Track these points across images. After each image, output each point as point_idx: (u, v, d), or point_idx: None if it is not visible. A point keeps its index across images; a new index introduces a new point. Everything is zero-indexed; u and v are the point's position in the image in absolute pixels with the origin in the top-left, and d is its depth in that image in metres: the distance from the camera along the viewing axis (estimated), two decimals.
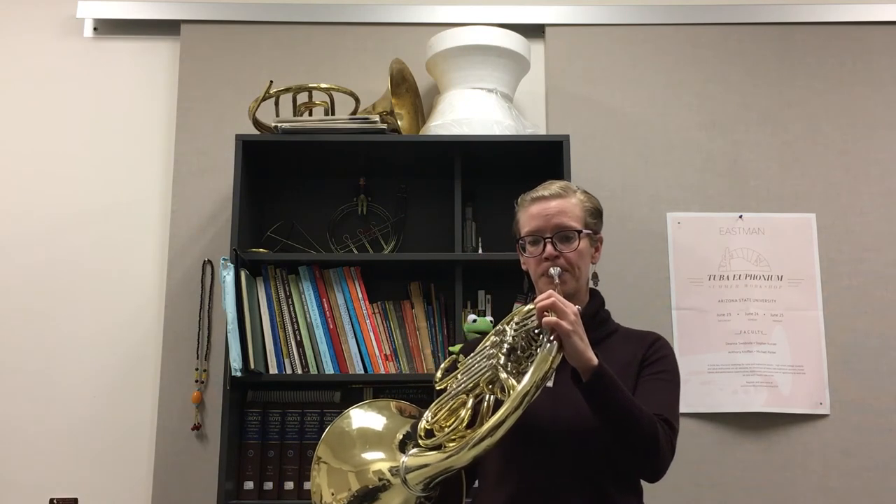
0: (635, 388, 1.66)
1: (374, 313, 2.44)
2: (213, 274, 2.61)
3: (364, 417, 1.64)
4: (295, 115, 2.56)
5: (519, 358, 1.53)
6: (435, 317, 2.48)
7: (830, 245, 2.66)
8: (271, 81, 2.47)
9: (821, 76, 2.78)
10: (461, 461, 1.44)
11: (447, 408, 1.56)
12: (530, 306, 1.56)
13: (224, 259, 2.31)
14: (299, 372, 2.38)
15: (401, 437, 1.57)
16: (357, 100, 2.58)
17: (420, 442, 1.53)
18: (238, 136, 2.43)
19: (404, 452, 1.54)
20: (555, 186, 1.77)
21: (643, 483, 1.69)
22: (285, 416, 2.42)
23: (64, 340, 2.62)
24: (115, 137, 2.76)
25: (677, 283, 2.63)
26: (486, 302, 2.53)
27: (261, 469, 2.38)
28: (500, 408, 1.43)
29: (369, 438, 1.60)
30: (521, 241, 1.77)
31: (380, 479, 1.53)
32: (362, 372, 2.39)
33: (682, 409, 1.74)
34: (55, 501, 2.50)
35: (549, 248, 1.70)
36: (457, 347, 2.32)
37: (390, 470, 1.53)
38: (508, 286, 2.51)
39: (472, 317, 2.36)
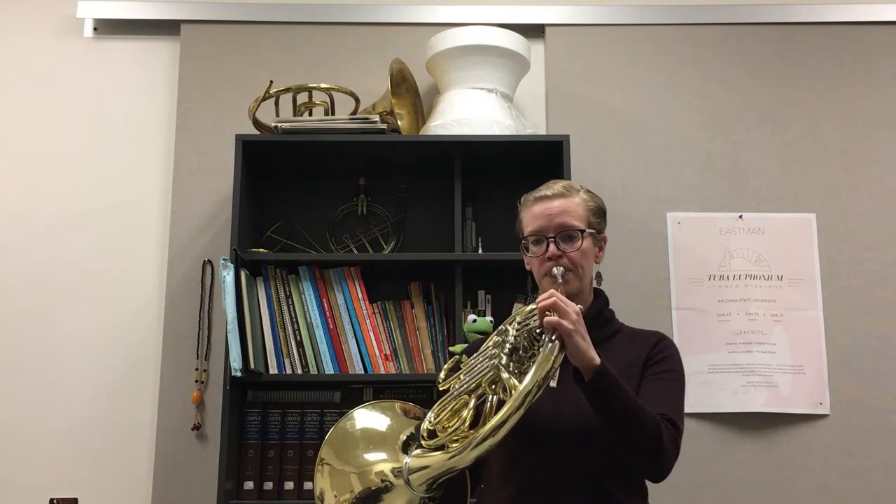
0: (639, 387, 1.66)
1: (374, 313, 2.44)
2: (213, 274, 2.61)
3: (368, 418, 1.64)
4: (295, 115, 2.56)
5: (521, 358, 1.53)
6: (435, 317, 2.48)
7: (830, 245, 2.66)
8: (271, 81, 2.47)
9: (821, 76, 2.78)
10: (464, 461, 1.44)
11: (450, 408, 1.55)
12: (532, 306, 1.56)
13: (224, 259, 2.31)
14: (299, 372, 2.38)
15: (404, 437, 1.57)
16: (357, 100, 2.58)
17: (423, 443, 1.53)
18: (238, 136, 2.43)
19: (407, 453, 1.54)
20: (558, 186, 1.76)
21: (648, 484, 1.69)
22: (285, 416, 2.42)
23: (64, 340, 2.62)
24: (115, 137, 2.76)
25: (677, 283, 2.63)
26: (486, 302, 2.53)
27: (261, 469, 2.38)
28: (502, 408, 1.43)
29: (373, 439, 1.60)
30: (524, 241, 1.76)
31: (382, 481, 1.53)
32: (362, 372, 2.39)
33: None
34: (55, 501, 2.50)
35: (551, 247, 1.70)
36: (457, 347, 2.32)
37: (392, 471, 1.53)
38: (508, 286, 2.51)
39: (472, 317, 2.36)
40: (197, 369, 2.55)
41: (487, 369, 1.54)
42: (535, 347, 1.52)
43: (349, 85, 2.58)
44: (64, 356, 2.61)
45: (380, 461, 1.55)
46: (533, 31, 2.77)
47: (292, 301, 2.42)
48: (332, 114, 2.55)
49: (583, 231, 1.71)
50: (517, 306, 2.50)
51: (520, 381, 1.45)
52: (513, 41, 2.55)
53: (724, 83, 2.78)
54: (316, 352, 2.39)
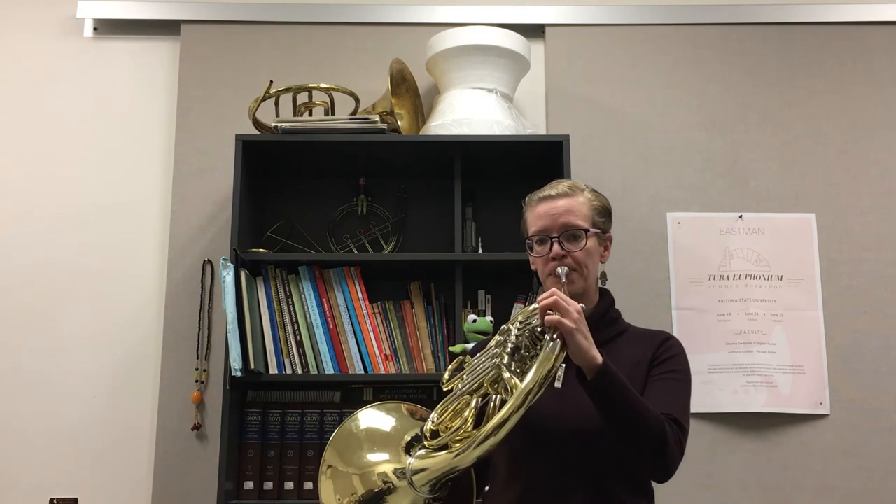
0: (645, 387, 1.65)
1: (374, 313, 2.44)
2: (213, 274, 2.61)
3: (372, 419, 1.64)
4: (295, 115, 2.56)
5: (523, 357, 1.53)
6: (435, 317, 2.48)
7: (830, 245, 2.66)
8: (271, 81, 2.47)
9: (821, 76, 2.78)
10: (466, 461, 1.44)
11: (452, 409, 1.55)
12: (535, 305, 1.56)
13: (224, 259, 2.31)
14: (299, 372, 2.38)
15: (409, 438, 1.57)
16: (357, 100, 2.58)
17: (425, 443, 1.53)
18: (238, 136, 2.43)
19: (410, 454, 1.54)
20: (562, 185, 1.76)
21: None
22: (285, 416, 2.42)
23: (64, 340, 2.62)
24: (115, 137, 2.76)
25: (677, 283, 2.63)
26: (486, 302, 2.53)
27: (261, 469, 2.38)
28: (503, 407, 1.43)
29: (376, 440, 1.60)
30: (528, 241, 1.76)
31: (384, 482, 1.52)
32: (362, 372, 2.39)
33: None
34: (55, 501, 2.50)
35: (556, 247, 1.69)
36: (457, 347, 2.32)
37: (395, 472, 1.53)
38: (508, 286, 2.51)
39: (472, 317, 2.36)
40: (197, 369, 2.55)
41: (489, 369, 1.54)
42: (537, 347, 1.52)
43: (349, 85, 2.58)
44: (64, 356, 2.61)
45: (382, 462, 1.55)
46: (533, 31, 2.77)
47: (292, 301, 2.42)
48: (332, 114, 2.55)
49: (587, 230, 1.71)
50: (517, 306, 2.50)
51: (521, 381, 1.45)
52: (513, 41, 2.55)
53: (724, 83, 2.78)
54: (316, 352, 2.39)
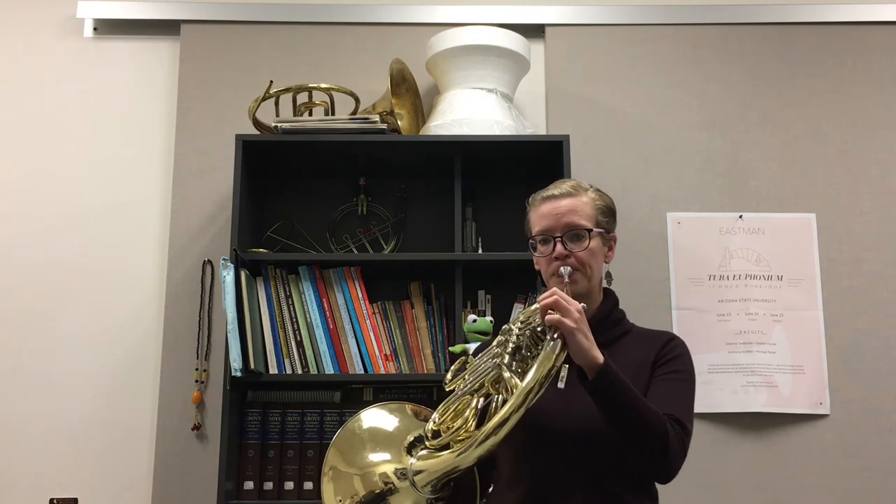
0: (648, 388, 1.64)
1: (374, 313, 2.44)
2: (213, 274, 2.61)
3: (376, 419, 1.63)
4: (295, 115, 2.56)
5: (524, 357, 1.53)
6: (435, 317, 2.48)
7: (830, 245, 2.66)
8: (271, 81, 2.47)
9: (821, 76, 2.78)
10: (467, 460, 1.44)
11: (453, 409, 1.55)
12: (536, 305, 1.56)
13: (224, 259, 2.31)
14: (299, 372, 2.38)
15: (411, 439, 1.57)
16: (357, 100, 2.58)
17: (427, 443, 1.53)
18: (238, 136, 2.43)
19: (412, 454, 1.54)
20: (566, 185, 1.75)
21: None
22: (285, 416, 2.42)
23: (64, 340, 2.62)
24: (115, 137, 2.76)
25: (677, 283, 2.63)
26: (486, 302, 2.53)
27: (261, 469, 2.38)
28: (504, 406, 1.43)
29: (379, 440, 1.60)
30: (531, 241, 1.75)
31: (385, 483, 1.52)
32: (362, 372, 2.39)
33: None
34: (55, 501, 2.50)
35: (559, 247, 1.68)
36: (457, 348, 2.32)
37: (396, 472, 1.53)
38: (508, 286, 2.51)
39: (472, 317, 2.36)
40: (197, 369, 2.55)
41: (490, 369, 1.54)
42: (538, 346, 1.52)
43: (349, 85, 2.58)
44: (64, 356, 2.61)
45: (384, 462, 1.55)
46: (533, 31, 2.77)
47: (292, 301, 2.42)
48: (332, 114, 2.55)
49: (590, 230, 1.70)
50: (517, 306, 2.50)
51: (521, 380, 1.45)
52: (513, 41, 2.55)
53: (724, 83, 2.78)
54: (316, 352, 2.39)
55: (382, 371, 2.39)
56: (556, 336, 1.48)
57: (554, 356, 1.46)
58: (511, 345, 1.54)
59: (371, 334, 2.41)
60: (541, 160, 2.51)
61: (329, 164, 2.60)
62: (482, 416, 1.50)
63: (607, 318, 1.73)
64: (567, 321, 1.47)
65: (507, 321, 2.21)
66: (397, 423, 1.62)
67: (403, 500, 1.51)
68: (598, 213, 1.74)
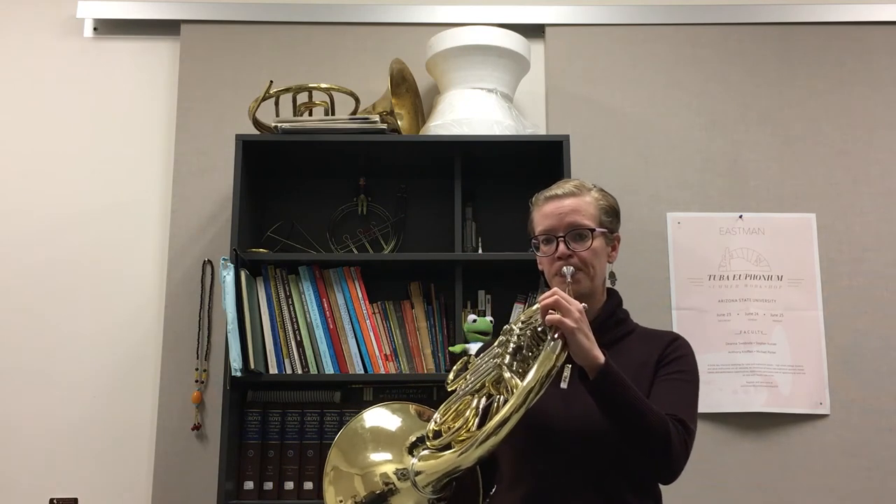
0: (651, 388, 1.63)
1: (374, 313, 2.44)
2: (213, 274, 2.61)
3: (379, 419, 1.63)
4: (295, 115, 2.56)
5: (525, 357, 1.53)
6: (435, 317, 2.48)
7: (830, 245, 2.66)
8: (271, 81, 2.47)
9: (821, 76, 2.78)
10: (468, 460, 1.44)
11: (454, 409, 1.55)
12: (537, 305, 1.55)
13: (224, 259, 2.31)
14: (299, 372, 2.38)
15: (413, 439, 1.56)
16: (357, 100, 2.58)
17: (428, 443, 1.53)
18: (238, 136, 2.43)
19: (413, 455, 1.54)
20: (569, 185, 1.75)
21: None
22: (285, 416, 2.42)
23: (64, 340, 2.62)
24: (115, 137, 2.76)
25: (677, 283, 2.63)
26: (486, 302, 2.53)
27: (261, 469, 2.38)
28: (504, 406, 1.43)
29: (381, 440, 1.60)
30: (534, 241, 1.75)
31: (385, 483, 1.52)
32: (362, 372, 2.39)
33: None
34: (55, 501, 2.50)
35: (561, 247, 1.68)
36: (457, 348, 2.32)
37: (396, 472, 1.53)
38: (508, 286, 2.51)
39: (472, 317, 2.36)
40: (197, 369, 2.55)
41: (491, 369, 1.54)
42: (539, 346, 1.52)
43: (349, 85, 2.58)
44: (64, 356, 2.61)
45: (384, 462, 1.55)
46: (533, 31, 2.77)
47: (292, 301, 2.42)
48: (332, 114, 2.55)
49: (593, 230, 1.69)
50: (517, 306, 2.50)
51: (522, 380, 1.44)
52: (513, 41, 2.55)
53: (724, 83, 2.78)
54: (316, 352, 2.39)
55: (382, 371, 2.39)
56: (556, 336, 1.48)
57: (554, 356, 1.46)
58: (512, 345, 1.54)
59: (371, 334, 2.41)
60: (541, 160, 2.51)
61: (329, 164, 2.60)
62: (484, 416, 1.49)
63: (611, 317, 1.73)
64: (567, 321, 1.47)
65: (507, 321, 2.22)
66: (400, 424, 1.62)
67: (405, 500, 1.50)
68: (602, 212, 1.73)
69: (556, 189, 1.75)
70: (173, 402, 2.54)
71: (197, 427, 2.51)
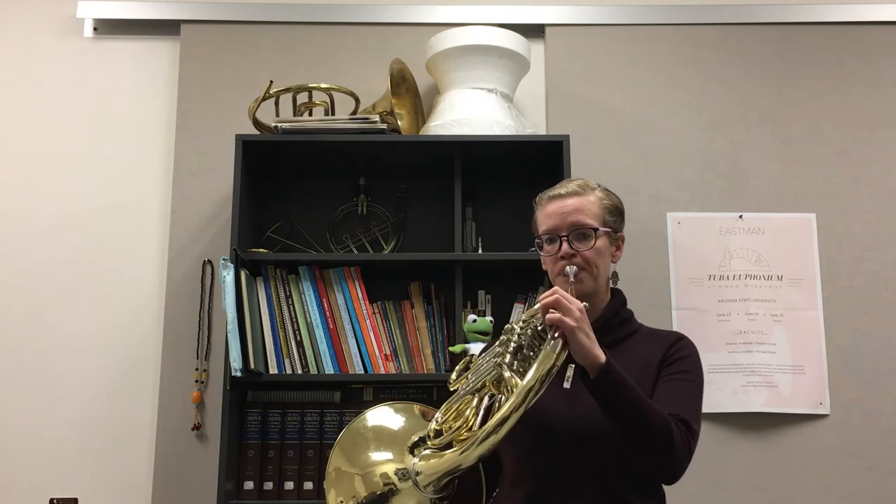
0: (655, 388, 1.63)
1: (374, 313, 2.44)
2: (213, 274, 2.61)
3: (382, 418, 1.63)
4: (295, 115, 2.56)
5: (526, 357, 1.53)
6: (435, 317, 2.48)
7: (830, 245, 2.66)
8: (271, 81, 2.47)
9: (821, 76, 2.78)
10: (468, 459, 1.44)
11: (455, 408, 1.55)
12: (538, 304, 1.55)
13: (224, 259, 2.31)
14: (299, 372, 2.38)
15: (415, 439, 1.56)
16: (357, 100, 2.58)
17: (429, 442, 1.53)
18: (238, 136, 2.43)
19: (414, 454, 1.54)
20: (572, 184, 1.74)
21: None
22: (285, 416, 2.42)
23: (64, 340, 2.62)
24: (115, 137, 2.76)
25: (677, 283, 2.63)
26: (486, 302, 2.53)
27: (261, 469, 2.38)
28: (504, 405, 1.43)
29: (384, 440, 1.60)
30: (538, 241, 1.74)
31: (385, 484, 1.52)
32: (362, 372, 2.39)
33: None
34: (55, 501, 2.50)
35: (564, 246, 1.67)
36: (457, 348, 2.33)
37: (397, 472, 1.53)
38: (508, 286, 2.51)
39: (472, 317, 2.36)
40: (197, 369, 2.55)
41: (491, 368, 1.54)
42: (540, 346, 1.51)
43: (349, 85, 2.58)
44: (64, 356, 2.61)
45: (385, 462, 1.55)
46: (533, 31, 2.77)
47: (292, 301, 2.42)
48: (332, 114, 2.55)
49: (596, 230, 1.69)
50: (517, 306, 2.50)
51: (522, 379, 1.44)
52: (513, 41, 2.55)
53: (724, 83, 2.78)
54: (316, 352, 2.39)
55: (382, 371, 2.39)
56: (556, 335, 1.48)
57: (554, 355, 1.46)
58: (513, 344, 1.54)
59: (371, 334, 2.41)
60: (541, 160, 2.52)
61: (329, 164, 2.60)
62: (487, 415, 1.49)
63: (614, 317, 1.72)
64: (568, 320, 1.47)
65: (507, 321, 2.22)
66: (403, 423, 1.62)
67: (406, 500, 1.51)
68: (605, 212, 1.73)
69: (560, 188, 1.74)
70: (173, 402, 2.54)
71: (197, 427, 2.51)
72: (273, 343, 2.38)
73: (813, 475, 2.53)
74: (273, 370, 2.36)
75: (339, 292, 2.43)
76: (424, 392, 2.47)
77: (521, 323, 1.58)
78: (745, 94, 2.77)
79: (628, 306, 1.80)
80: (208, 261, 2.62)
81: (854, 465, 2.53)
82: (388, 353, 2.42)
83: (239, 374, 2.20)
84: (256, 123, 2.49)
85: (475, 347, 2.29)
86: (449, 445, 1.49)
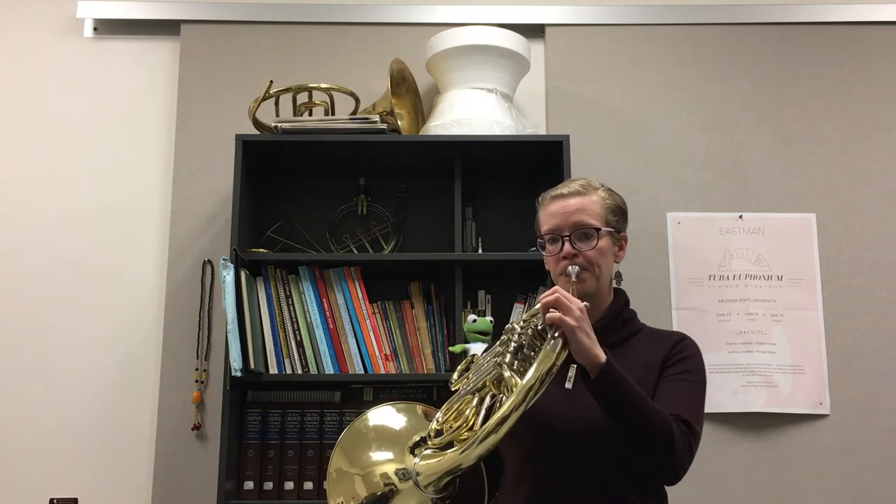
0: (657, 388, 1.62)
1: (374, 313, 2.44)
2: (213, 274, 2.61)
3: (384, 418, 1.63)
4: (295, 115, 2.56)
5: (527, 356, 1.52)
6: (435, 317, 2.48)
7: (830, 245, 2.66)
8: (271, 81, 2.47)
9: (821, 76, 2.78)
10: (468, 459, 1.43)
11: (455, 408, 1.55)
12: (539, 304, 1.55)
13: (224, 259, 2.31)
14: (299, 372, 2.38)
15: (417, 439, 1.56)
16: (357, 100, 2.58)
17: (430, 442, 1.53)
18: (238, 136, 2.43)
19: (415, 454, 1.53)
20: (575, 184, 1.74)
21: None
22: (285, 416, 2.42)
23: (64, 341, 2.62)
24: (115, 137, 2.75)
25: (677, 283, 2.63)
26: (486, 302, 2.53)
27: (261, 469, 2.38)
28: (504, 404, 1.43)
29: (385, 440, 1.60)
30: (540, 240, 1.74)
31: (385, 484, 1.52)
32: (362, 372, 2.39)
33: None
34: (55, 501, 2.50)
35: (566, 246, 1.67)
36: (457, 348, 2.33)
37: (397, 473, 1.52)
38: (508, 286, 2.51)
39: (472, 317, 2.36)
40: (197, 369, 2.55)
41: (492, 368, 1.54)
42: (541, 345, 1.51)
43: (349, 85, 2.58)
44: (64, 356, 2.61)
45: (386, 462, 1.55)
46: (533, 31, 2.77)
47: (292, 301, 2.42)
48: (332, 114, 2.55)
49: (598, 229, 1.69)
50: (517, 306, 2.50)
51: (522, 379, 1.44)
52: (513, 41, 2.55)
53: (724, 83, 2.78)
54: (316, 352, 2.39)
55: (382, 371, 2.39)
56: (556, 334, 1.48)
57: (554, 354, 1.46)
58: (513, 344, 1.54)
59: (371, 334, 2.41)
60: (541, 160, 2.52)
61: (329, 164, 2.60)
62: (488, 415, 1.49)
63: (617, 317, 1.72)
64: (568, 319, 1.47)
65: (507, 321, 2.22)
66: (405, 424, 1.62)
67: (407, 500, 1.50)
68: (608, 212, 1.73)
69: (563, 188, 1.74)
70: (173, 402, 2.54)
71: (197, 427, 2.51)
72: (273, 343, 2.38)
73: (813, 475, 2.53)
74: (273, 370, 2.36)
75: (339, 292, 2.43)
76: (424, 392, 2.47)
77: (521, 323, 1.58)
78: (745, 94, 2.77)
79: (630, 306, 1.79)
80: (208, 261, 2.62)
81: (854, 465, 2.53)
82: (388, 353, 2.42)
83: (239, 374, 2.20)
84: (256, 123, 2.49)
85: (475, 347, 2.29)
86: (449, 445, 1.49)
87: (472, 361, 1.66)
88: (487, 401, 1.52)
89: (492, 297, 2.53)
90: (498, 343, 1.60)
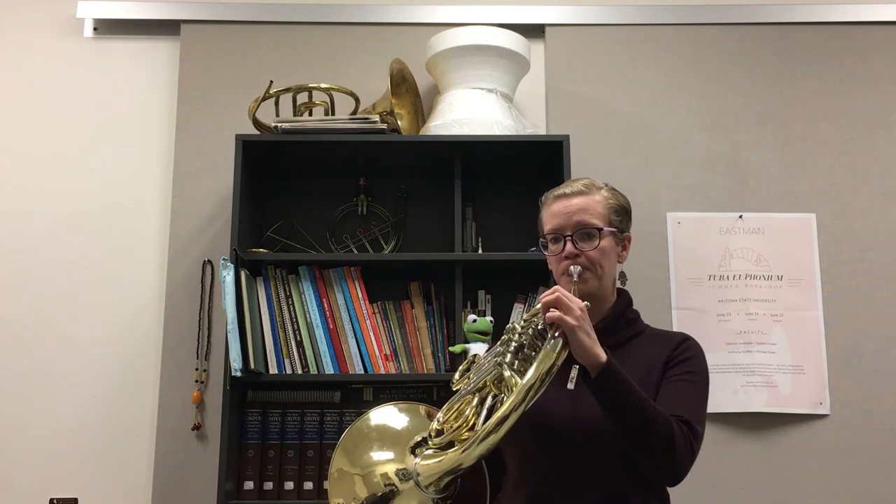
0: (659, 389, 1.62)
1: (374, 313, 2.44)
2: (213, 274, 2.61)
3: (386, 418, 1.63)
4: (295, 115, 2.56)
5: (527, 356, 1.52)
6: (435, 317, 2.48)
7: (830, 245, 2.66)
8: (271, 81, 2.47)
9: (821, 76, 2.78)
10: (469, 458, 1.43)
11: (456, 408, 1.55)
12: (540, 303, 1.55)
13: (224, 259, 2.31)
14: (299, 372, 2.38)
15: (418, 439, 1.56)
16: (357, 100, 2.58)
17: (430, 442, 1.52)
18: (238, 136, 2.43)
19: (416, 455, 1.53)
20: (578, 184, 1.73)
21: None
22: (285, 416, 2.42)
23: (64, 341, 2.62)
24: (115, 137, 2.75)
25: (677, 283, 2.63)
26: (486, 302, 2.53)
27: (261, 469, 2.38)
28: (504, 403, 1.43)
29: (386, 440, 1.59)
30: (542, 240, 1.73)
31: (386, 485, 1.52)
32: (362, 372, 2.39)
33: None
34: (55, 501, 2.50)
35: (569, 246, 1.66)
36: (457, 348, 2.33)
37: (398, 473, 1.52)
38: (508, 286, 2.51)
39: (472, 317, 2.36)
40: (197, 369, 2.55)
41: (492, 368, 1.54)
42: (541, 345, 1.51)
43: (349, 85, 2.58)
44: (64, 356, 2.61)
45: (387, 462, 1.55)
46: (533, 31, 2.77)
47: (292, 301, 2.42)
48: (332, 114, 2.55)
49: (601, 229, 1.68)
50: (517, 306, 2.50)
51: (522, 378, 1.44)
52: (513, 41, 2.55)
53: (724, 83, 2.78)
54: (316, 352, 2.39)
55: (382, 371, 2.39)
56: (556, 334, 1.47)
57: (555, 354, 1.45)
58: (514, 344, 1.54)
59: (371, 334, 2.41)
60: (541, 160, 2.52)
61: (329, 164, 2.60)
62: (489, 415, 1.49)
63: (620, 318, 1.71)
64: (568, 319, 1.46)
65: (507, 321, 2.22)
66: (406, 424, 1.62)
67: (408, 500, 1.50)
68: (611, 212, 1.72)
69: (565, 188, 1.74)
70: (173, 402, 2.53)
71: (197, 427, 2.51)
72: (273, 343, 2.38)
73: (813, 475, 2.53)
74: (273, 370, 2.36)
75: (339, 292, 2.43)
76: (424, 392, 2.47)
77: (522, 322, 1.57)
78: (745, 94, 2.77)
79: (633, 307, 1.79)
80: (208, 261, 2.62)
81: (854, 465, 2.53)
82: (388, 353, 2.42)
83: (239, 374, 2.20)
84: (256, 123, 2.49)
85: (475, 347, 2.29)
86: (450, 445, 1.48)
87: (473, 362, 1.66)
88: (488, 401, 1.51)
89: (492, 297, 2.53)
90: (499, 343, 1.60)
